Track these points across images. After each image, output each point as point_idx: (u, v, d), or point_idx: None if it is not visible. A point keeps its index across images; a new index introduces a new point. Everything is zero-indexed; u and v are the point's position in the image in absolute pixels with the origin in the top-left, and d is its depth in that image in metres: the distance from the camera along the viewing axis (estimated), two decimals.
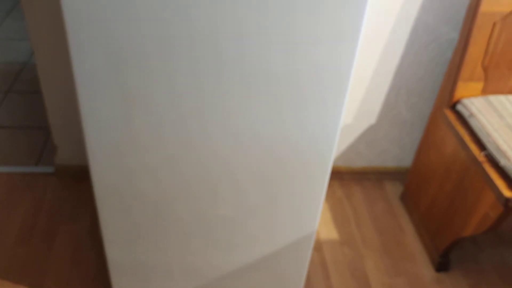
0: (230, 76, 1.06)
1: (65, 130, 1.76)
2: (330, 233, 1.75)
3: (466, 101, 1.51)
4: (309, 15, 0.99)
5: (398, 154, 1.92)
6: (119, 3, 0.94)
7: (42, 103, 1.71)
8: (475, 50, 1.45)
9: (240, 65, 1.05)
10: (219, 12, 0.97)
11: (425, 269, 1.65)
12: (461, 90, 1.53)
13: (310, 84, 1.09)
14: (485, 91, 1.54)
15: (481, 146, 1.41)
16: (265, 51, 1.03)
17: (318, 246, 1.70)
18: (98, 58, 1.01)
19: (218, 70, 1.05)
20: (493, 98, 1.50)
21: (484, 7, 1.37)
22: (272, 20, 0.99)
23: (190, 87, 1.07)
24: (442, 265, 1.63)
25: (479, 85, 1.53)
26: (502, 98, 1.51)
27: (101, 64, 1.03)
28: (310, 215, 1.33)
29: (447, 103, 1.56)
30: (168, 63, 1.03)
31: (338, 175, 1.97)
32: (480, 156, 1.39)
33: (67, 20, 0.96)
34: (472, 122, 1.46)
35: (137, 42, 1.00)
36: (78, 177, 1.81)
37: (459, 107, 1.53)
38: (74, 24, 0.97)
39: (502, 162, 1.33)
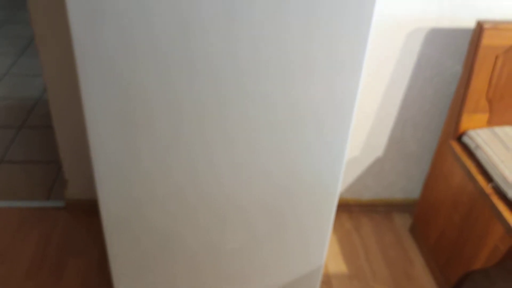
0: (234, 111, 1.08)
1: (75, 165, 1.79)
2: (338, 266, 1.74)
3: (471, 132, 1.52)
4: (310, 48, 1.01)
5: (406, 186, 1.92)
6: (129, 45, 0.98)
7: (54, 137, 1.75)
8: (479, 83, 1.47)
9: (243, 100, 1.07)
10: (221, 48, 1.00)
11: None
12: (466, 122, 1.54)
13: (313, 118, 1.11)
14: (490, 123, 1.55)
15: (488, 177, 1.41)
16: (266, 85, 1.06)
17: (327, 280, 1.68)
18: (107, 95, 1.05)
19: (221, 105, 1.08)
20: (499, 130, 1.51)
21: (486, 41, 1.40)
22: (272, 53, 1.02)
23: (196, 123, 1.10)
24: None
25: (484, 117, 1.54)
26: (507, 129, 1.51)
27: (109, 100, 1.06)
28: (318, 248, 1.32)
29: (453, 135, 1.57)
30: (173, 99, 1.06)
31: (346, 208, 1.96)
32: (487, 188, 1.39)
33: (78, 58, 1.00)
34: (479, 154, 1.46)
35: (143, 80, 1.03)
36: (88, 211, 1.83)
37: (465, 138, 1.54)
38: (84, 62, 1.01)
39: (510, 194, 1.32)
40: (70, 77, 1.58)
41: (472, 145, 1.50)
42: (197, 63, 1.02)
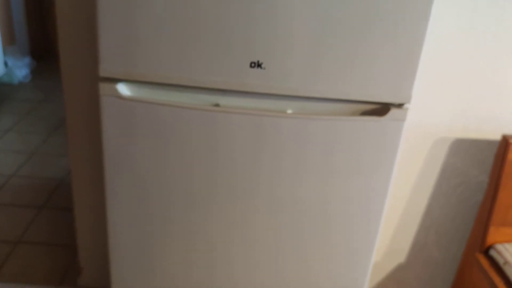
0: (264, 212, 1.08)
1: (92, 252, 1.77)
2: None
3: (499, 247, 1.47)
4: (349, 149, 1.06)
5: None
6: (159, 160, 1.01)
7: (73, 222, 1.75)
8: (506, 196, 1.44)
9: (272, 201, 1.07)
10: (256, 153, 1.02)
11: None
12: (493, 235, 1.49)
13: (341, 224, 1.10)
14: None
15: None
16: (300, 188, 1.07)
17: None
18: (130, 193, 1.06)
19: (249, 210, 1.08)
20: None
21: None
22: (311, 153, 1.05)
23: (219, 223, 1.10)
24: None
25: None
26: None
27: (131, 196, 1.07)
28: None
29: (480, 247, 1.52)
30: (195, 198, 1.07)
31: None
32: None
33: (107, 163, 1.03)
34: (508, 270, 1.40)
35: (162, 182, 1.05)
36: None
37: (493, 252, 1.48)
38: (112, 167, 1.03)
39: None
40: (95, 161, 1.58)
41: (500, 261, 1.44)
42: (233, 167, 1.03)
